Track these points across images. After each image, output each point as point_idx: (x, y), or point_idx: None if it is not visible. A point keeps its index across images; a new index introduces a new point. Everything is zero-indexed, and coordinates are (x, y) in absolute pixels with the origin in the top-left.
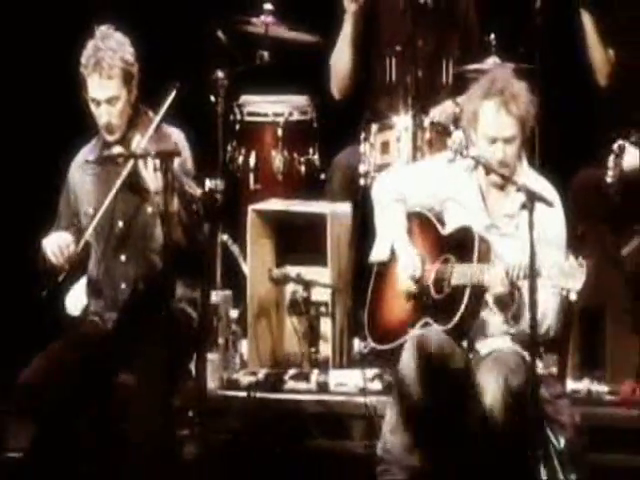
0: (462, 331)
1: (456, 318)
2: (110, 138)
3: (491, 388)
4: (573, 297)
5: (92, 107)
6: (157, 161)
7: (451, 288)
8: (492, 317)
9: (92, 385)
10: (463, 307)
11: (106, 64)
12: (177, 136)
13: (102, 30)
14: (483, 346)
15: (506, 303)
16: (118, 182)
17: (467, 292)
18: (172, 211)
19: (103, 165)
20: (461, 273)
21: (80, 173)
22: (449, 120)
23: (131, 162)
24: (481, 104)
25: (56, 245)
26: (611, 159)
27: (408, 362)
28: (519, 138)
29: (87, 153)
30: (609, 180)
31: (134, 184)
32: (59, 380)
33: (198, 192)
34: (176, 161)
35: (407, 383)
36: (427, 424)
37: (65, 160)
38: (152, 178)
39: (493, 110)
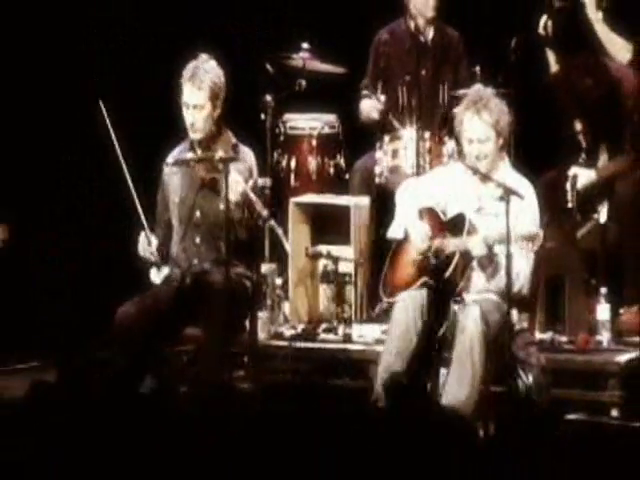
0: (451, 287)
1: (446, 274)
2: (194, 136)
3: (471, 314)
4: (531, 254)
5: (183, 109)
6: (239, 176)
7: (445, 256)
8: (476, 279)
9: (166, 331)
10: (452, 267)
11: (199, 78)
12: (249, 156)
13: (203, 56)
14: (468, 298)
15: (486, 263)
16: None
17: (456, 257)
18: (239, 217)
19: (180, 166)
20: (453, 244)
21: (170, 170)
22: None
23: (215, 167)
24: (463, 115)
25: (142, 245)
26: (568, 186)
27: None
28: (493, 139)
29: (177, 154)
30: (570, 206)
31: (213, 185)
32: (145, 322)
33: (264, 213)
34: (249, 182)
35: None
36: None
37: (159, 160)
38: (233, 191)
39: (469, 118)
